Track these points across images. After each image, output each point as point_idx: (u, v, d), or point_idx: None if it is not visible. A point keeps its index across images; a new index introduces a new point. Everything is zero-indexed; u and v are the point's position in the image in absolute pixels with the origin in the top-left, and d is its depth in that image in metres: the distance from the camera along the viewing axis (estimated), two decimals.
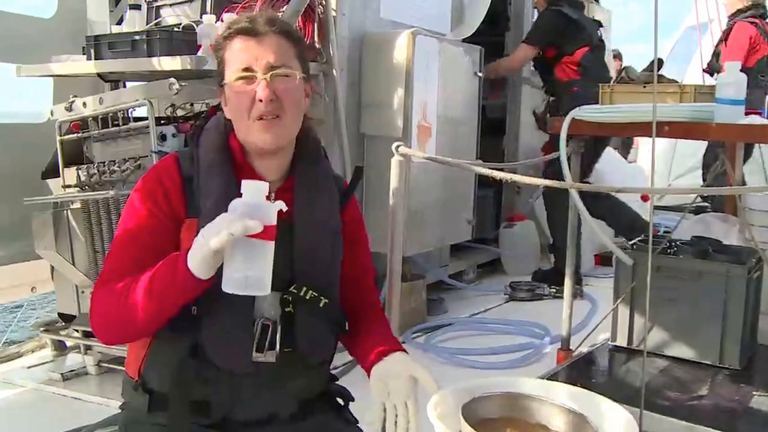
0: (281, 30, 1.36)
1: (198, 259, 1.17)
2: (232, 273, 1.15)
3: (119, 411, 1.47)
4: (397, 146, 1.73)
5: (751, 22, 4.72)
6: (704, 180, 5.27)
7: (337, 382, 1.54)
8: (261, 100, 1.31)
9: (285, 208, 1.18)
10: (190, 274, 1.18)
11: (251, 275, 1.15)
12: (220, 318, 1.30)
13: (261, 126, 1.32)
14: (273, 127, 1.33)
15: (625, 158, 6.55)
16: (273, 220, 1.16)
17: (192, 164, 1.37)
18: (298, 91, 1.37)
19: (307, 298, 1.35)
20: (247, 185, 1.17)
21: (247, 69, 1.33)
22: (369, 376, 1.38)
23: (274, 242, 1.16)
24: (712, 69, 4.90)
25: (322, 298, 1.36)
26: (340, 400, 1.51)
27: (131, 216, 1.35)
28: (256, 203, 1.16)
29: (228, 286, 1.16)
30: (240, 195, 1.18)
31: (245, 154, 1.39)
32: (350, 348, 1.51)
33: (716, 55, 4.94)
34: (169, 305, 1.24)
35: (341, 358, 1.54)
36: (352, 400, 1.52)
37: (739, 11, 4.87)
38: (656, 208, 5.86)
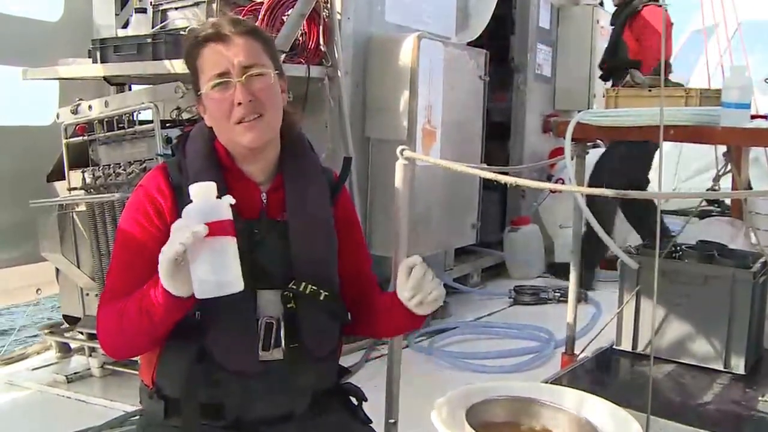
0: (247, 30, 1.38)
1: (164, 275, 1.18)
2: (201, 278, 1.16)
3: (123, 413, 1.48)
4: (402, 150, 1.73)
5: (659, 5, 4.28)
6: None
7: (350, 381, 1.55)
8: (240, 103, 1.33)
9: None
10: (167, 292, 1.20)
11: (220, 276, 1.15)
12: (223, 321, 1.31)
13: (243, 128, 1.34)
14: (256, 126, 1.35)
15: None
16: (228, 215, 1.17)
17: (180, 173, 1.38)
18: (275, 88, 1.39)
19: (308, 292, 1.37)
20: (194, 189, 1.18)
21: (220, 74, 1.34)
22: (398, 305, 1.41)
23: (235, 237, 1.17)
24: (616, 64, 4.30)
25: (322, 291, 1.38)
26: (354, 400, 1.52)
27: (126, 233, 1.37)
28: (206, 204, 1.17)
29: (201, 293, 1.16)
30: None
31: (232, 157, 1.40)
32: (367, 328, 1.53)
33: (614, 45, 4.37)
34: (159, 324, 1.26)
35: (347, 360, 1.53)
36: (366, 400, 1.53)
37: None
38: (661, 212, 5.83)
